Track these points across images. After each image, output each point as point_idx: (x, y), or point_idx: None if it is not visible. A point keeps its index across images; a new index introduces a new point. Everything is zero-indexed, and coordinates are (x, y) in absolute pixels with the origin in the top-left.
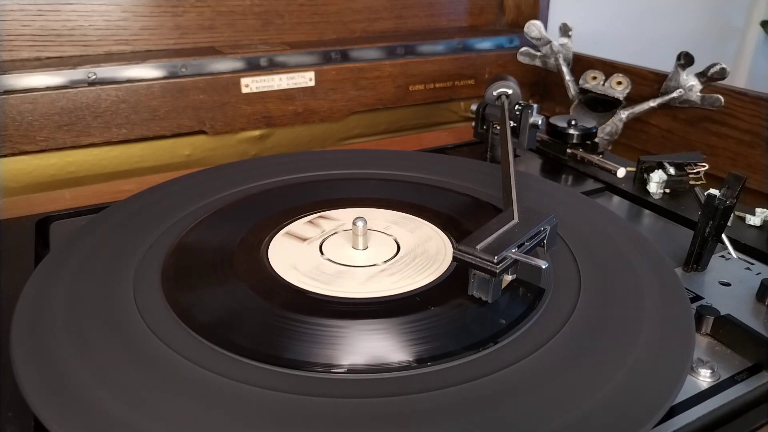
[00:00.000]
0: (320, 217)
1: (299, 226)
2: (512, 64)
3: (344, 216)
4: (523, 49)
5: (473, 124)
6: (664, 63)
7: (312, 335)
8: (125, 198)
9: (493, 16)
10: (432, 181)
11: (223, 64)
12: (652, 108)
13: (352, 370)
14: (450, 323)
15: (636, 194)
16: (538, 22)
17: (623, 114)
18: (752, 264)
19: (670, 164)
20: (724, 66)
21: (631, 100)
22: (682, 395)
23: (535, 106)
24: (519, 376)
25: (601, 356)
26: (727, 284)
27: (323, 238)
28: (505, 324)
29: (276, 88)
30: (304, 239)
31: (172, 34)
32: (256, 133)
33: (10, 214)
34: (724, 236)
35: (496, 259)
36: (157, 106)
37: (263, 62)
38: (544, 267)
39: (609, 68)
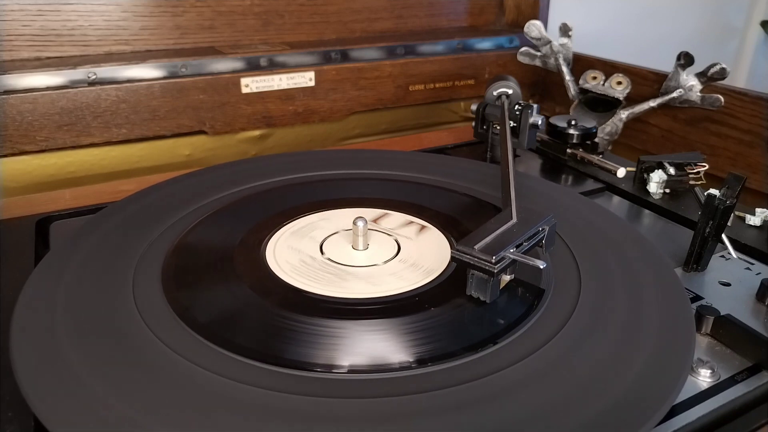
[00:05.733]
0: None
1: (299, 225)
2: (512, 64)
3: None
4: (523, 49)
5: (473, 124)
6: (664, 63)
7: (312, 335)
8: (125, 198)
9: (493, 16)
10: (432, 181)
11: (223, 64)
12: (652, 108)
13: (352, 371)
14: (450, 324)
15: (636, 194)
16: (538, 22)
17: (623, 114)
18: (752, 264)
19: (670, 164)
20: (724, 66)
21: (631, 100)
22: (682, 395)
23: (535, 106)
24: (519, 377)
25: (601, 357)
26: (727, 284)
27: (323, 238)
28: (505, 324)
29: (276, 88)
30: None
31: (172, 34)
32: (256, 133)
33: (10, 214)
34: (724, 236)
35: (494, 259)
36: (157, 106)
37: (263, 62)
38: (542, 267)
39: (609, 68)
